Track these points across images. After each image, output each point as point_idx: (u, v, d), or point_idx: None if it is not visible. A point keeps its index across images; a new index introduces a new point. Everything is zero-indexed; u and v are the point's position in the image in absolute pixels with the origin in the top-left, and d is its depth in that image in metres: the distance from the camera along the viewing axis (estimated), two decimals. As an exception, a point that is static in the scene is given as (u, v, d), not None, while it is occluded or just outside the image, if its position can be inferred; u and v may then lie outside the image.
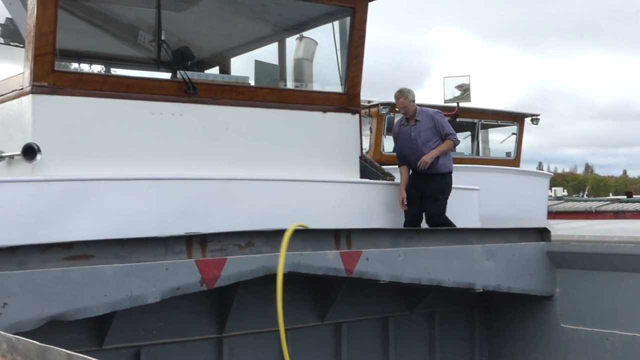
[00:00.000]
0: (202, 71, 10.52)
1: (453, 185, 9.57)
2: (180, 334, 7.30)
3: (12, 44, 9.04)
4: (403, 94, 9.40)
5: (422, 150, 9.29)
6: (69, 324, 6.12)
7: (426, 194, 9.27)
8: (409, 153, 9.46)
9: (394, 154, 11.14)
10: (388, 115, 16.66)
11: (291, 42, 10.24)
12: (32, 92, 7.39)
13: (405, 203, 9.25)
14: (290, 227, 7.10)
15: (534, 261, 8.80)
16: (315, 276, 7.38)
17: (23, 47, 7.87)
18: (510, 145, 19.96)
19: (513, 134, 19.91)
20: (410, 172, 9.55)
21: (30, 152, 7.27)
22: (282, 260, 6.89)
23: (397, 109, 9.55)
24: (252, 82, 9.27)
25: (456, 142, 9.59)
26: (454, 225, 9.16)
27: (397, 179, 9.73)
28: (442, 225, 9.09)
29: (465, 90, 14.36)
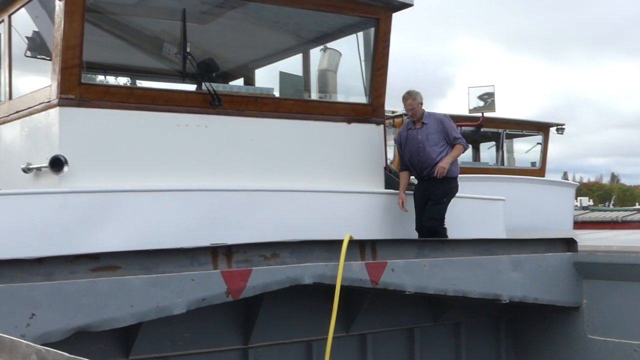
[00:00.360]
0: (227, 83, 10.57)
1: (479, 196, 9.53)
2: (206, 345, 7.31)
3: (39, 57, 9.11)
4: (411, 96, 9.18)
5: (429, 153, 9.10)
6: (96, 335, 6.14)
7: (430, 197, 9.08)
8: (415, 156, 9.23)
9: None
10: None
11: (315, 53, 10.26)
12: (59, 104, 7.46)
13: (406, 205, 9.10)
14: (346, 237, 7.24)
15: (560, 272, 8.74)
16: (341, 287, 7.37)
17: (50, 60, 7.95)
18: (535, 155, 19.86)
19: (538, 143, 19.81)
20: (412, 177, 9.43)
21: (57, 164, 7.34)
22: (340, 271, 7.06)
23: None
24: (276, 94, 9.29)
25: (465, 147, 9.43)
26: (447, 236, 8.96)
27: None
28: (435, 232, 8.90)
29: (489, 99, 14.32)
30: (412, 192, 9.28)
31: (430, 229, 8.96)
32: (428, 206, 9.07)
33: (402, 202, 9.10)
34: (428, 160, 9.10)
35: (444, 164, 8.99)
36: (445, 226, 9.02)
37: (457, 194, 9.25)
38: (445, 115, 9.46)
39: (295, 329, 7.75)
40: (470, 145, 14.71)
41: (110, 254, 6.05)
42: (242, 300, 6.74)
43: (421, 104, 9.25)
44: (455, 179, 9.27)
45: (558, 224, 16.43)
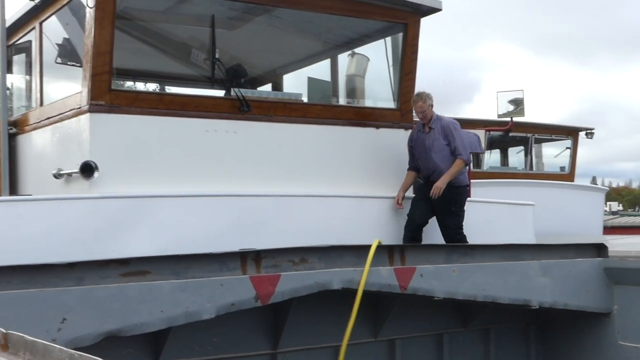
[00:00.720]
0: (255, 88, 10.62)
1: (507, 201, 9.47)
2: (235, 350, 7.32)
3: (69, 63, 9.20)
4: (421, 98, 8.94)
5: (434, 160, 8.92)
6: (126, 340, 6.17)
7: (437, 206, 8.87)
8: (422, 161, 9.05)
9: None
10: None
11: (343, 58, 10.27)
12: (90, 110, 7.52)
13: (401, 202, 8.92)
14: (375, 243, 7.23)
15: (590, 277, 8.66)
16: (369, 292, 7.36)
17: (80, 66, 8.02)
18: (564, 159, 19.77)
19: (567, 148, 19.72)
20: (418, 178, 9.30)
21: (88, 169, 7.39)
22: (364, 276, 7.05)
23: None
24: (305, 99, 9.31)
25: (467, 161, 9.08)
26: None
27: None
28: (454, 241, 8.76)
29: (519, 104, 14.26)
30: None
31: (447, 237, 8.87)
32: (442, 216, 8.92)
33: (398, 200, 8.92)
34: (433, 167, 8.96)
35: (440, 184, 8.76)
36: (464, 233, 8.89)
37: (486, 199, 9.19)
38: (452, 121, 9.18)
39: (324, 334, 7.74)
40: (471, 160, 14.73)
41: (140, 259, 6.08)
42: (270, 305, 6.74)
43: (431, 106, 9.02)
44: (462, 187, 9.07)
45: (587, 229, 16.35)
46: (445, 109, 20.99)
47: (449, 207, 8.89)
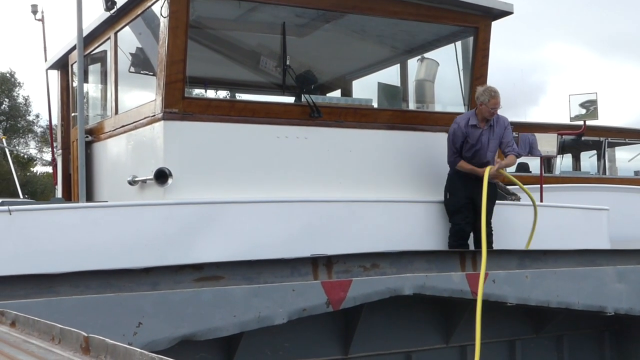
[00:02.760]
0: (325, 94, 10.65)
1: (581, 205, 9.34)
2: (306, 355, 7.33)
3: (142, 72, 9.37)
4: (499, 94, 8.64)
5: (488, 158, 8.71)
6: (199, 344, 6.24)
7: (479, 202, 8.44)
8: (475, 157, 8.73)
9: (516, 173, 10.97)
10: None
11: (413, 63, 10.25)
12: (164, 118, 7.65)
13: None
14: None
15: (668, 284, 8.46)
16: (441, 298, 7.32)
17: (153, 75, 8.17)
18: (638, 164, 19.36)
19: (641, 152, 19.32)
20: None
21: (162, 176, 7.52)
22: (481, 284, 7.10)
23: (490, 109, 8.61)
24: (375, 104, 9.31)
25: (518, 156, 9.17)
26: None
27: (523, 200, 9.56)
28: (490, 234, 8.63)
29: (592, 107, 14.01)
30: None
31: (489, 235, 8.60)
32: (480, 211, 8.42)
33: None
34: (486, 164, 8.64)
35: (495, 170, 8.57)
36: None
37: (560, 204, 9.08)
38: (507, 119, 9.01)
39: (395, 339, 7.71)
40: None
41: (214, 264, 6.15)
42: (341, 310, 6.75)
43: None
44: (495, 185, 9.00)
45: (663, 234, 15.95)
46: (513, 113, 20.74)
47: (493, 202, 8.72)
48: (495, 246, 8.69)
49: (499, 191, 9.56)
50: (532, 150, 14.06)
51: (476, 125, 8.70)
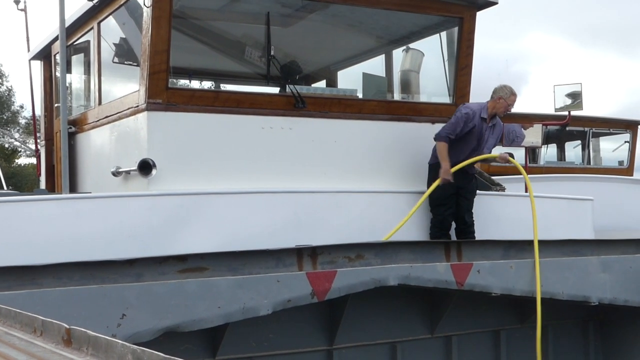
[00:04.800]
0: (310, 85, 10.63)
1: (566, 196, 9.37)
2: (291, 346, 7.34)
3: (126, 63, 9.31)
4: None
5: (481, 154, 8.82)
6: (183, 335, 6.24)
7: (465, 194, 8.72)
8: (473, 149, 8.74)
9: (503, 164, 10.97)
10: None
11: (398, 53, 10.23)
12: (147, 109, 7.61)
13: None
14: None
15: (651, 273, 8.50)
16: (425, 288, 7.33)
17: (136, 65, 8.12)
18: (622, 153, 19.42)
19: (626, 142, 19.36)
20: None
21: (146, 167, 7.49)
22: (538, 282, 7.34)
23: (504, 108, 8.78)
24: (359, 95, 9.29)
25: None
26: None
27: (508, 190, 9.58)
28: (472, 227, 8.77)
29: (577, 98, 14.03)
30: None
31: (471, 225, 8.77)
32: (466, 203, 8.75)
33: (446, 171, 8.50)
34: (469, 157, 8.71)
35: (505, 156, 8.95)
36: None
37: (544, 194, 9.12)
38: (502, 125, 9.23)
39: (380, 330, 7.73)
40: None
41: (198, 255, 6.13)
42: (326, 301, 6.75)
43: None
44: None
45: (647, 224, 16.02)
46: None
47: (474, 195, 8.92)
48: (480, 236, 8.69)
49: (484, 181, 9.58)
50: (516, 140, 14.07)
51: (485, 119, 8.77)
